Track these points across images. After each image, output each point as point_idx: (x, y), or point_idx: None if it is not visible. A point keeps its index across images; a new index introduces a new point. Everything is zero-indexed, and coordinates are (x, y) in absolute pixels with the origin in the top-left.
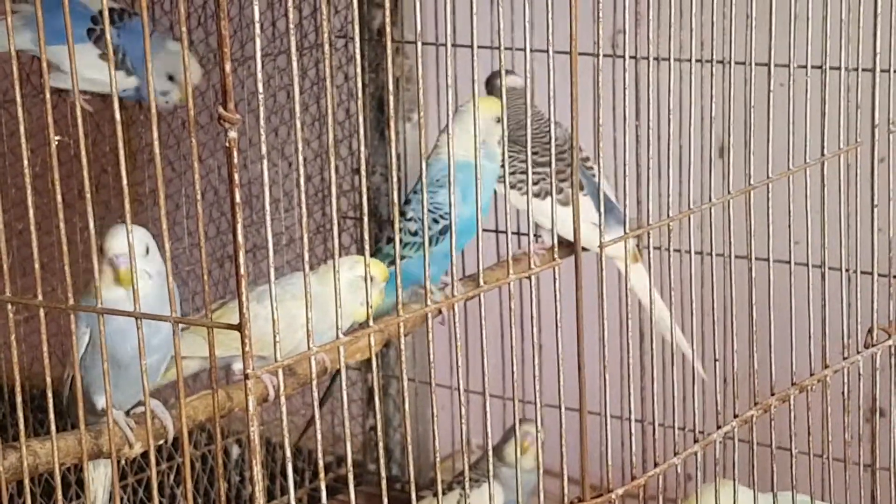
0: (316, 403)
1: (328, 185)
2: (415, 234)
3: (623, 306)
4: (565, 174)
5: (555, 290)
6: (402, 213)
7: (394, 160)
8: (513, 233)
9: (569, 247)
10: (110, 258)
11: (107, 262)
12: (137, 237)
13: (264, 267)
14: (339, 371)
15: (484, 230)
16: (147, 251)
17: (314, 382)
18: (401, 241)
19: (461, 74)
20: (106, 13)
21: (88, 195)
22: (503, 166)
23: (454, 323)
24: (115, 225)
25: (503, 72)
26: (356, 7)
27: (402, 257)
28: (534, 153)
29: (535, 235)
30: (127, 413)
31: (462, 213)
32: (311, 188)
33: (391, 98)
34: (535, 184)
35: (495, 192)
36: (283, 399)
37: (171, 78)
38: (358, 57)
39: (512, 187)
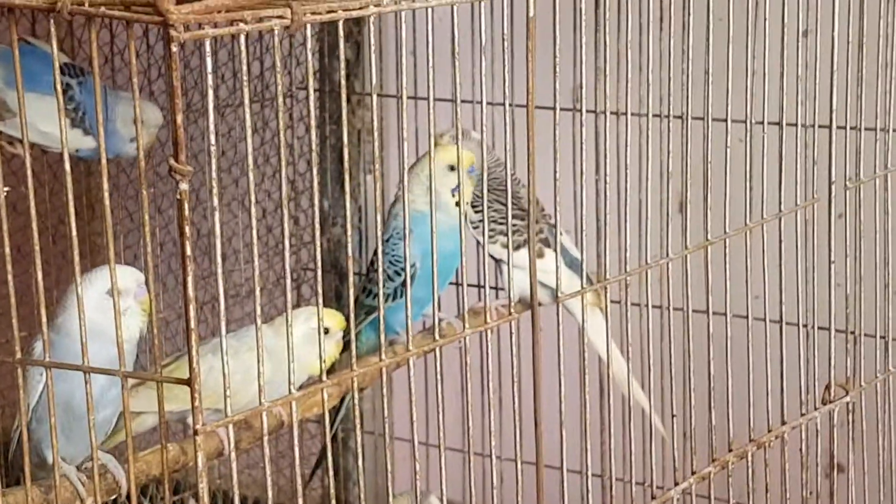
0: (266, 454)
1: (290, 237)
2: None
3: (583, 361)
4: (537, 227)
5: (511, 345)
6: (372, 265)
7: (349, 214)
8: (470, 285)
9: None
10: (134, 292)
11: (120, 297)
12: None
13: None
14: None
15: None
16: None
17: (265, 439)
18: (373, 293)
19: (423, 127)
20: (56, 65)
21: (37, 247)
22: (481, 217)
23: (411, 377)
24: (103, 266)
25: (459, 124)
26: (310, 59)
27: (375, 309)
28: (503, 203)
29: (494, 289)
30: (79, 467)
31: (426, 264)
32: (272, 239)
33: (347, 151)
34: (514, 233)
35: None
36: (233, 455)
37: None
38: (312, 110)
39: (490, 239)
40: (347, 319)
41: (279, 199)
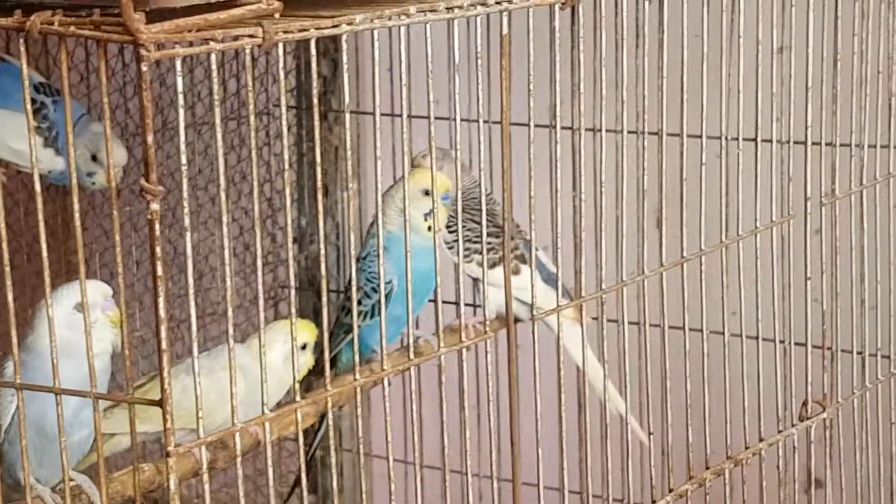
0: (240, 475)
1: (266, 254)
2: (359, 302)
3: (560, 377)
4: (513, 244)
5: (487, 363)
6: (351, 284)
7: (322, 231)
8: (444, 302)
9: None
10: (102, 305)
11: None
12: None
13: (202, 336)
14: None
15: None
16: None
17: (238, 459)
18: (350, 310)
19: (401, 145)
20: (26, 83)
21: (7, 267)
22: (456, 237)
23: (387, 395)
24: (73, 283)
25: (433, 143)
26: (282, 78)
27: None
28: (479, 223)
29: (471, 306)
30: (53, 489)
31: (403, 282)
32: (249, 257)
33: (318, 168)
34: (489, 251)
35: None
36: (206, 477)
37: (94, 158)
38: (284, 128)
39: (465, 258)
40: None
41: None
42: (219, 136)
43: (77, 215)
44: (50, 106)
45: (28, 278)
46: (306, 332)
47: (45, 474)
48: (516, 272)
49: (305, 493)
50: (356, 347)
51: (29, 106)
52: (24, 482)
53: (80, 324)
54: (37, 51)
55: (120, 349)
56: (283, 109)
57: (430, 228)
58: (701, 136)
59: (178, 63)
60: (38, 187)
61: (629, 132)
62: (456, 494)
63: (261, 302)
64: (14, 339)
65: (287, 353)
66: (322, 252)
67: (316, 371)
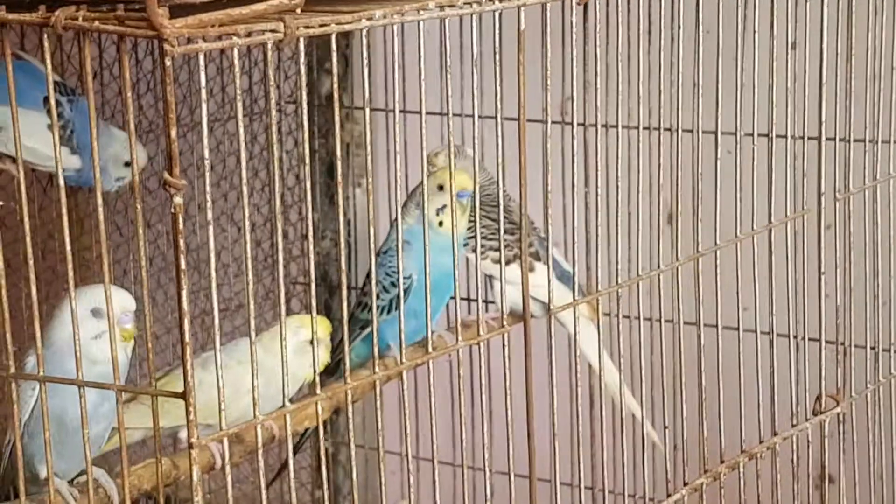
0: (261, 468)
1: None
2: (377, 297)
3: (574, 373)
4: (527, 241)
5: (503, 358)
6: (368, 278)
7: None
8: (462, 299)
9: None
10: (118, 318)
11: (102, 319)
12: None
13: (214, 332)
14: (306, 430)
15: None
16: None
17: (260, 451)
18: (369, 307)
19: (411, 141)
20: (50, 80)
21: (31, 262)
22: (473, 235)
23: (405, 390)
24: (97, 284)
25: (451, 138)
26: (303, 73)
27: (370, 322)
28: (494, 220)
29: (485, 302)
30: (71, 482)
31: (422, 278)
32: (261, 253)
33: (339, 164)
34: (505, 248)
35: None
36: (228, 469)
37: (127, 164)
38: (305, 123)
39: (481, 255)
40: (337, 331)
41: (267, 213)
42: (241, 130)
43: (102, 218)
44: (65, 104)
45: (42, 274)
46: (320, 327)
47: (63, 467)
48: (531, 269)
49: (326, 489)
50: (375, 341)
51: (54, 104)
52: (41, 476)
53: (92, 330)
54: (51, 47)
55: (127, 356)
56: (304, 104)
57: (441, 224)
58: (715, 132)
59: (202, 58)
60: (61, 183)
61: (643, 128)
62: (468, 490)
63: (282, 296)
64: (37, 332)
65: (297, 347)
66: (342, 247)
67: (327, 370)
